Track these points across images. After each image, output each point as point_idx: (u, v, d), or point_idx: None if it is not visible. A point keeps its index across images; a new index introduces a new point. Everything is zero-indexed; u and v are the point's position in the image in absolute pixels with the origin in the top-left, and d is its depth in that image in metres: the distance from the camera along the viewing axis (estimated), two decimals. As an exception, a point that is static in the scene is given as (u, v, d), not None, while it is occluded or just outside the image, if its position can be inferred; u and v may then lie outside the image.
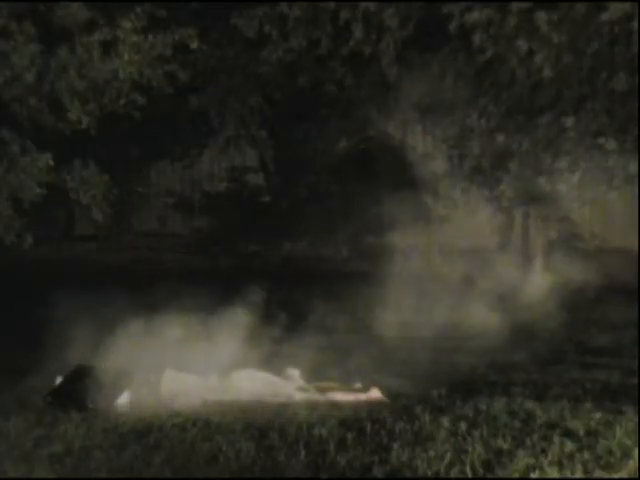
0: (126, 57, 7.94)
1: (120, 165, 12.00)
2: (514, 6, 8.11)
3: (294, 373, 5.37)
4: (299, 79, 10.40)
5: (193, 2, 10.36)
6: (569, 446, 3.58)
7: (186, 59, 8.85)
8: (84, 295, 9.17)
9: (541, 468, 3.33)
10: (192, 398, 4.87)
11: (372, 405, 4.78)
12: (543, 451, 3.55)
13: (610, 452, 3.52)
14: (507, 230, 12.96)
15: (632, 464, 3.35)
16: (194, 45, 8.35)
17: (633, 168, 8.63)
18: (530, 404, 4.47)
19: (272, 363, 5.50)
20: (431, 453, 3.55)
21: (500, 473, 3.33)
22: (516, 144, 8.99)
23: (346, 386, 5.23)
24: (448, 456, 3.50)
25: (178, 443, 3.95)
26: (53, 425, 4.32)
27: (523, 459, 3.44)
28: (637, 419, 4.01)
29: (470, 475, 3.33)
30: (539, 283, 10.90)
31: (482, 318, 7.71)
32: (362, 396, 5.02)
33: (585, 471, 3.30)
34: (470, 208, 12.95)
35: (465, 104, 9.47)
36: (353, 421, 4.24)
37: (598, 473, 3.28)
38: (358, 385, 5.24)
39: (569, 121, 8.54)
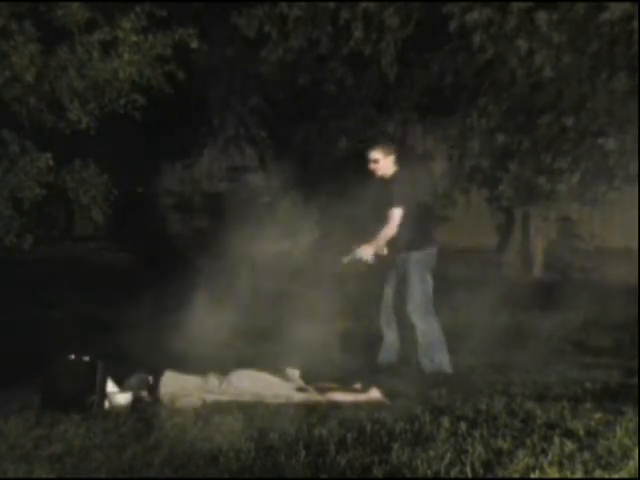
0: (126, 57, 7.96)
1: (120, 165, 12.00)
2: (514, 6, 8.12)
3: (294, 373, 5.37)
4: (299, 79, 10.41)
5: (193, 2, 10.37)
6: (569, 446, 3.58)
7: (186, 59, 8.86)
8: (84, 295, 9.19)
9: (541, 468, 3.33)
10: (192, 398, 4.87)
11: (372, 405, 4.78)
12: (543, 451, 3.55)
13: (610, 452, 3.51)
14: (507, 230, 12.95)
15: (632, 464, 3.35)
16: (194, 45, 8.36)
17: (633, 168, 8.64)
18: (530, 404, 4.46)
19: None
20: (431, 453, 3.55)
21: (500, 473, 3.33)
22: (516, 144, 9.00)
23: (346, 386, 5.23)
24: (448, 456, 3.50)
25: (178, 443, 3.95)
26: (53, 425, 4.32)
27: (523, 459, 3.43)
28: (637, 419, 4.01)
29: (470, 475, 3.33)
30: (538, 283, 10.90)
31: (482, 318, 7.71)
32: (362, 396, 5.02)
33: (585, 471, 3.30)
34: (470, 208, 12.98)
35: (465, 104, 9.48)
36: (353, 421, 4.24)
37: (598, 473, 3.28)
38: (358, 385, 5.24)
39: (569, 121, 8.55)
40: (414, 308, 5.76)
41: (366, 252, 5.72)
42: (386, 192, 5.83)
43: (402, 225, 5.72)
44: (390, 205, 5.73)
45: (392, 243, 5.81)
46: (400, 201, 5.70)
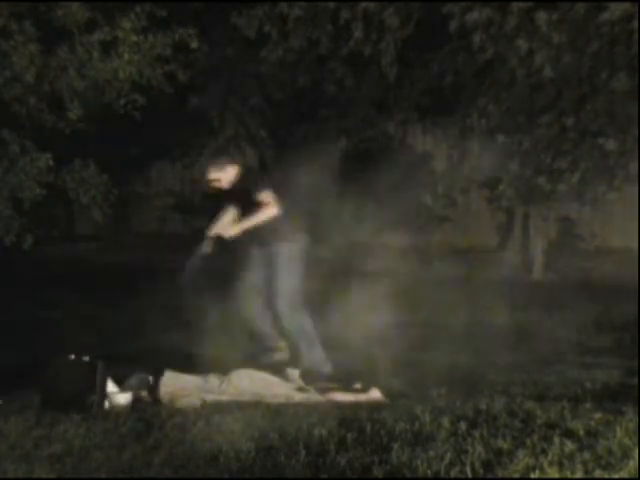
0: (126, 57, 7.95)
1: (120, 165, 12.00)
2: (514, 6, 8.11)
3: (294, 373, 5.37)
4: (299, 79, 10.41)
5: (193, 2, 10.37)
6: (569, 446, 3.58)
7: (186, 59, 8.86)
8: (84, 295, 9.19)
9: (541, 468, 3.33)
10: (192, 398, 4.87)
11: (372, 405, 4.78)
12: (543, 451, 3.55)
13: (610, 452, 3.51)
14: (507, 230, 12.97)
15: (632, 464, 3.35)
16: (194, 45, 8.36)
17: (633, 168, 8.63)
18: (530, 404, 4.46)
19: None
20: (431, 453, 3.55)
21: (500, 473, 3.33)
22: (516, 144, 8.99)
23: (346, 386, 5.23)
24: (448, 456, 3.50)
25: (178, 443, 3.95)
26: (53, 425, 4.32)
27: (523, 459, 3.43)
28: (637, 419, 4.01)
29: (470, 475, 3.33)
30: (538, 283, 10.90)
31: (482, 318, 7.71)
32: (362, 396, 5.02)
33: (585, 471, 3.30)
34: (470, 208, 12.99)
35: (465, 104, 9.48)
36: (353, 421, 4.24)
37: (598, 473, 3.28)
38: (358, 385, 5.24)
39: (569, 121, 8.54)
40: (283, 304, 5.50)
41: (229, 230, 5.42)
42: (239, 199, 5.60)
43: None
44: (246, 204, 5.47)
45: (252, 235, 5.51)
46: (264, 186, 5.45)
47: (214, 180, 5.67)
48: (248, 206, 5.53)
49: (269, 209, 5.44)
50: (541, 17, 7.99)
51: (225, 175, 5.66)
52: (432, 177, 12.01)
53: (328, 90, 10.95)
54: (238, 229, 5.50)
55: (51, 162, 8.00)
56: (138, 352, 6.01)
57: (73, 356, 5.14)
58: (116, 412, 4.65)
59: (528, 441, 3.70)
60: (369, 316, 7.53)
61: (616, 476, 3.26)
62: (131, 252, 13.43)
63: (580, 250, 12.21)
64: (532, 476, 3.27)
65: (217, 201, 5.74)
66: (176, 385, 5.03)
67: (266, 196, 5.45)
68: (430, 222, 12.53)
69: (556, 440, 3.67)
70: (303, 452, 3.67)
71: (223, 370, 5.25)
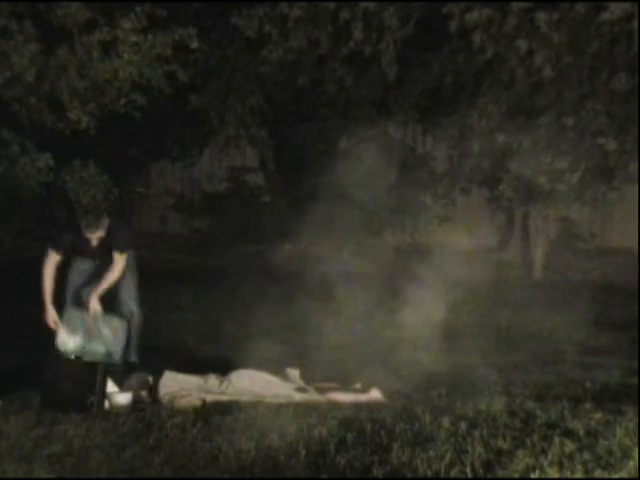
0: (126, 57, 7.95)
1: (120, 165, 12.00)
2: (514, 6, 8.11)
3: (294, 373, 5.37)
4: (299, 79, 10.40)
5: (193, 2, 10.37)
6: (569, 446, 3.58)
7: (186, 59, 8.86)
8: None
9: (541, 468, 3.33)
10: (192, 398, 4.87)
11: (372, 405, 4.78)
12: (543, 451, 3.56)
13: (610, 452, 3.52)
14: (507, 230, 12.97)
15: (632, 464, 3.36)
16: (194, 45, 8.37)
17: (633, 168, 8.62)
18: (530, 404, 4.47)
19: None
20: (431, 453, 3.55)
21: (500, 473, 3.34)
22: (516, 144, 8.98)
23: (346, 386, 5.23)
24: (448, 456, 3.50)
25: (178, 443, 3.95)
26: (53, 425, 4.32)
27: (523, 459, 3.44)
28: (637, 419, 4.01)
29: (470, 475, 3.33)
30: (538, 283, 10.90)
31: (482, 318, 7.72)
32: (362, 396, 5.02)
33: (585, 471, 3.31)
34: (470, 208, 13.00)
35: (465, 104, 9.47)
36: (353, 421, 4.24)
37: (598, 473, 3.29)
38: (358, 385, 5.25)
39: (569, 121, 8.53)
40: (136, 300, 5.85)
41: (95, 305, 5.61)
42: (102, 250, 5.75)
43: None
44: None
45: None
46: (122, 247, 5.68)
47: (98, 238, 5.63)
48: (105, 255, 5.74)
49: (118, 266, 5.65)
50: (541, 17, 7.97)
51: (103, 231, 5.65)
52: (432, 177, 12.02)
53: (328, 90, 10.93)
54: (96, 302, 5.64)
55: (51, 162, 8.00)
56: (138, 352, 6.00)
57: (73, 356, 5.15)
58: (116, 412, 4.65)
59: (528, 441, 3.70)
60: (368, 317, 7.55)
61: (616, 476, 3.26)
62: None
63: (580, 250, 12.20)
64: (532, 476, 3.27)
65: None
66: (176, 385, 5.03)
67: (120, 257, 5.67)
68: (430, 222, 12.52)
69: (556, 440, 3.67)
70: (303, 452, 3.67)
71: (223, 370, 5.25)
